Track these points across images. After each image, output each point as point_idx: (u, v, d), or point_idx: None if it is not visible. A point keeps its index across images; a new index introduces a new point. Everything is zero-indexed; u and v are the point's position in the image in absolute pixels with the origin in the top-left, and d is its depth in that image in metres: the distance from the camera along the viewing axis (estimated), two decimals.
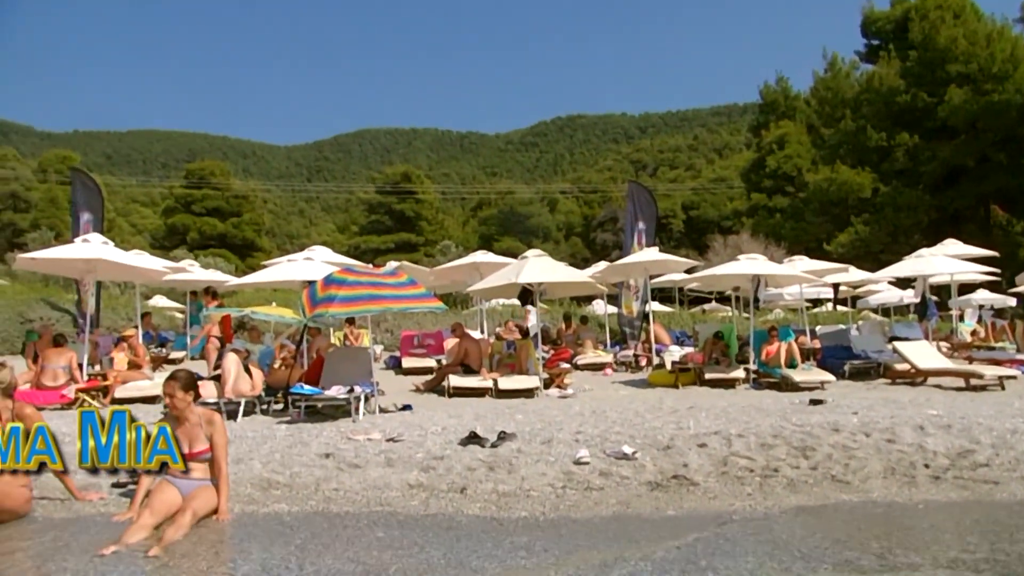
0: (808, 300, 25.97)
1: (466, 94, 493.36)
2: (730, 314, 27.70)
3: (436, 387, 15.51)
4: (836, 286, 24.68)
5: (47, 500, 7.17)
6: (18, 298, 25.71)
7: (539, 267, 16.77)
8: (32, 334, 18.70)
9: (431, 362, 18.79)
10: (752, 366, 16.08)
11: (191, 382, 7.01)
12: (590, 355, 19.50)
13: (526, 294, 17.30)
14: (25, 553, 6.13)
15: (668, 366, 17.02)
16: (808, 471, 8.19)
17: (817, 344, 18.83)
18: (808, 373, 15.62)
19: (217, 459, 6.90)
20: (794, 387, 15.01)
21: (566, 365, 16.91)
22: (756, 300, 16.96)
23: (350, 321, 19.48)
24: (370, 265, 16.31)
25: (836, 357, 17.29)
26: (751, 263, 16.93)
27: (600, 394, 14.94)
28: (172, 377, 6.90)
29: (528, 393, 14.69)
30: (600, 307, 27.18)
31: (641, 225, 21.85)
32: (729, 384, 15.61)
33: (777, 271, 17.46)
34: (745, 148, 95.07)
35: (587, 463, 8.37)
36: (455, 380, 15.12)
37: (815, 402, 12.88)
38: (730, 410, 11.84)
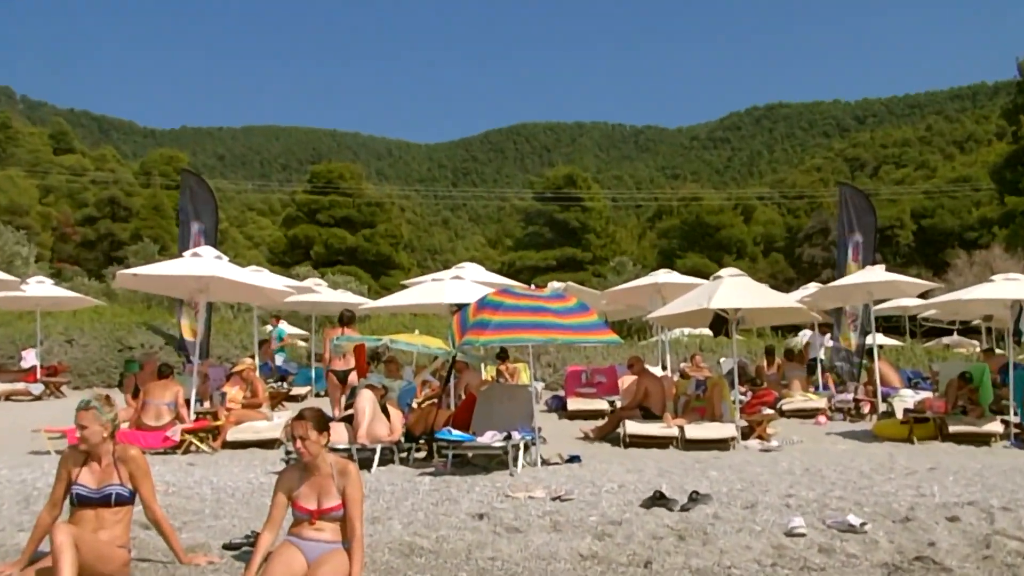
0: None
1: (643, 82, 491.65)
2: (978, 350, 26.20)
3: (609, 434, 15.50)
4: None
5: (148, 563, 7.25)
6: (117, 321, 26.77)
7: (736, 289, 16.58)
8: (132, 364, 19.44)
9: (603, 404, 18.88)
10: (1013, 418, 15.44)
11: (324, 422, 6.88)
12: (799, 399, 19.28)
13: (720, 323, 16.86)
14: None
15: (899, 415, 16.61)
16: None
17: None
18: None
19: (351, 517, 6.76)
20: None
21: (769, 411, 16.65)
22: (1018, 333, 16.14)
23: (502, 355, 19.57)
24: (531, 286, 16.81)
25: None
26: (1012, 285, 16.47)
27: (813, 447, 14.70)
28: (301, 416, 6.74)
29: (722, 444, 14.57)
30: (810, 339, 26.16)
31: (857, 238, 21.61)
32: (982, 440, 15.01)
33: None
34: (996, 139, 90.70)
35: (803, 535, 8.09)
36: (632, 426, 15.05)
37: None
38: (986, 474, 11.29)
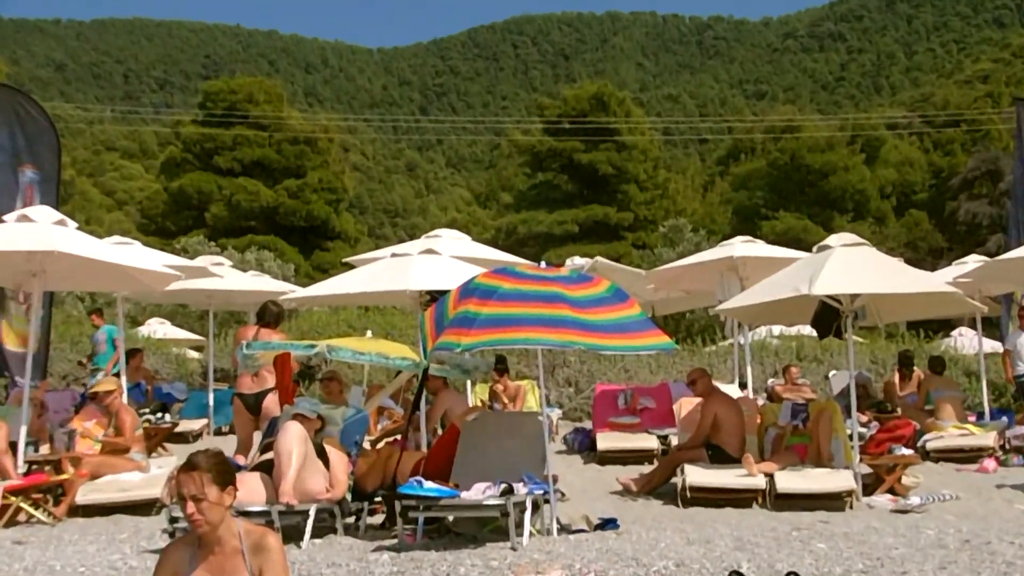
0: None
1: None
2: None
3: (662, 486, 13.37)
4: None
5: None
6: None
7: (853, 267, 13.70)
8: None
9: (650, 440, 16.09)
10: None
11: (228, 473, 5.53)
12: (952, 432, 16.43)
13: (828, 317, 13.80)
14: None
15: None
16: None
17: None
18: None
19: None
20: None
21: (906, 451, 13.87)
22: None
23: (499, 368, 16.82)
24: (540, 264, 13.00)
25: None
26: None
27: (976, 507, 12.61)
28: (193, 464, 5.40)
29: (834, 501, 12.39)
30: (968, 341, 23.51)
31: None
32: None
33: None
34: None
35: None
36: (696, 474, 12.76)
37: None
38: None
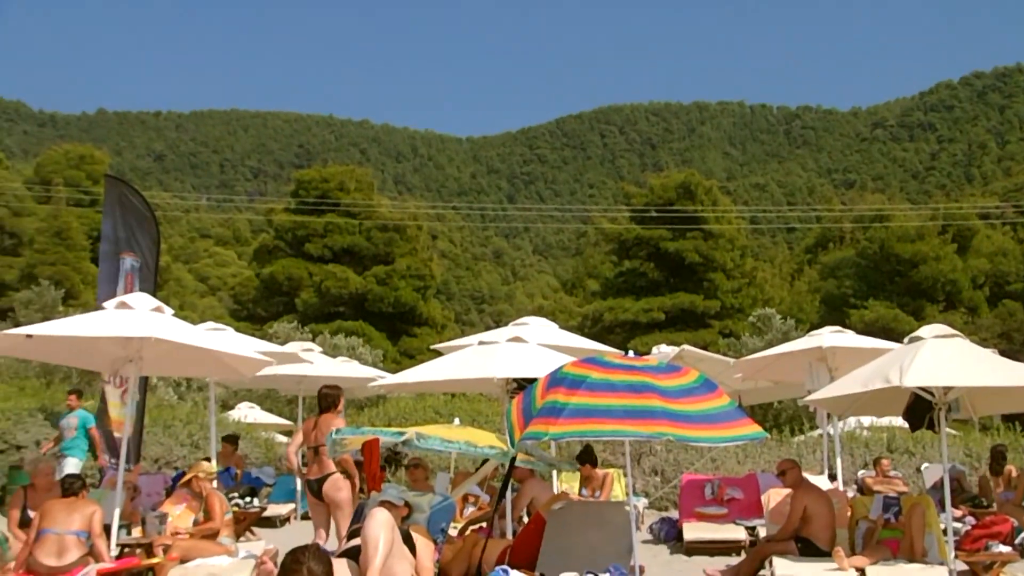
0: None
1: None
2: None
3: None
4: None
5: None
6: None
7: (945, 357, 12.53)
8: (19, 474, 16.72)
9: (738, 532, 15.42)
10: None
11: (330, 567, 5.67)
12: None
13: (921, 409, 12.71)
14: None
15: None
16: None
17: None
18: None
19: None
20: None
21: (1005, 548, 12.84)
22: None
23: (585, 457, 15.47)
24: (627, 353, 12.52)
25: None
26: None
27: None
28: (311, 570, 5.23)
29: None
30: None
31: None
32: None
33: None
34: None
35: None
36: (786, 567, 12.08)
37: None
38: None
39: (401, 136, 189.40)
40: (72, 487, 12.48)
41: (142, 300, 13.49)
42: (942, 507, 13.58)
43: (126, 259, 17.02)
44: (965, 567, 13.04)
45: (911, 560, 12.63)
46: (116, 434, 14.30)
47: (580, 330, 25.76)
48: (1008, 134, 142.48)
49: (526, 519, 13.17)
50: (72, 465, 18.26)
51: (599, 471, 16.88)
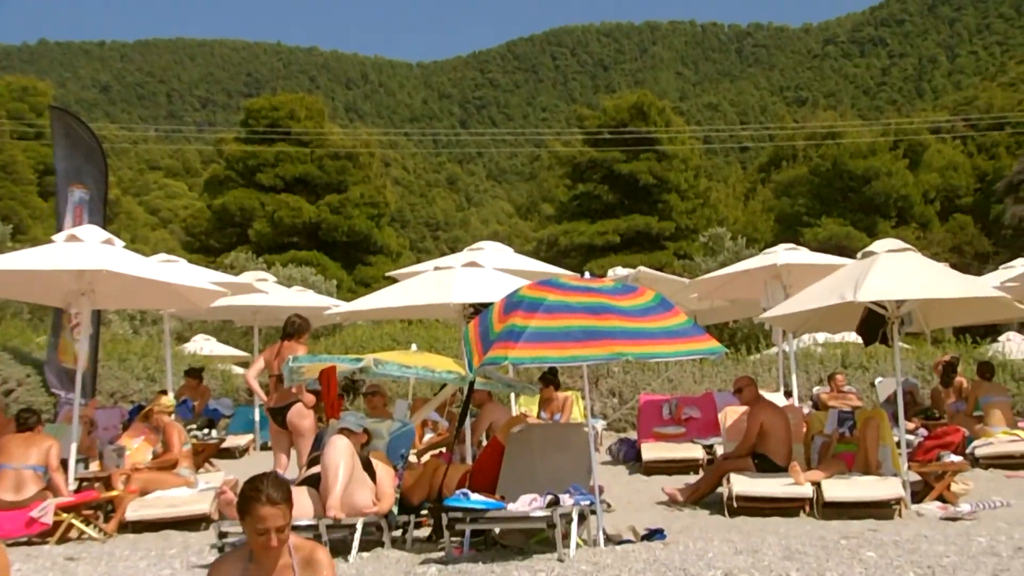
0: None
1: None
2: None
3: (708, 496, 12.93)
4: None
5: None
6: None
7: (898, 272, 12.87)
8: None
9: (696, 450, 15.59)
10: None
11: (290, 495, 5.35)
12: (1002, 438, 15.62)
13: (874, 324, 13.09)
14: None
15: None
16: None
17: None
18: None
19: None
20: None
21: (956, 458, 13.13)
22: None
23: (546, 379, 16.06)
24: (584, 275, 14.43)
25: None
26: None
27: None
28: (273, 499, 4.96)
29: (882, 509, 11.90)
30: (1017, 346, 22.90)
31: None
32: None
33: None
34: None
35: None
36: (743, 484, 12.27)
37: None
38: None
39: (351, 62, 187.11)
40: (27, 422, 12.48)
41: (92, 233, 13.63)
42: (895, 420, 13.93)
43: (75, 191, 17.31)
44: (918, 478, 13.44)
45: (866, 473, 12.98)
46: (67, 366, 14.46)
47: (535, 254, 25.50)
48: (958, 47, 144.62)
49: (485, 443, 13.17)
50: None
51: (559, 394, 16.99)
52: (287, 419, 13.07)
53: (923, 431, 15.46)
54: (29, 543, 11.57)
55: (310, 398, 13.25)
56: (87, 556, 10.73)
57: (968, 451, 15.66)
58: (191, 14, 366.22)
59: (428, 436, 15.64)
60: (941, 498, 13.12)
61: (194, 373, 19.61)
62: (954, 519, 12.32)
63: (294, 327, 13.44)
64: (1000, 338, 26.47)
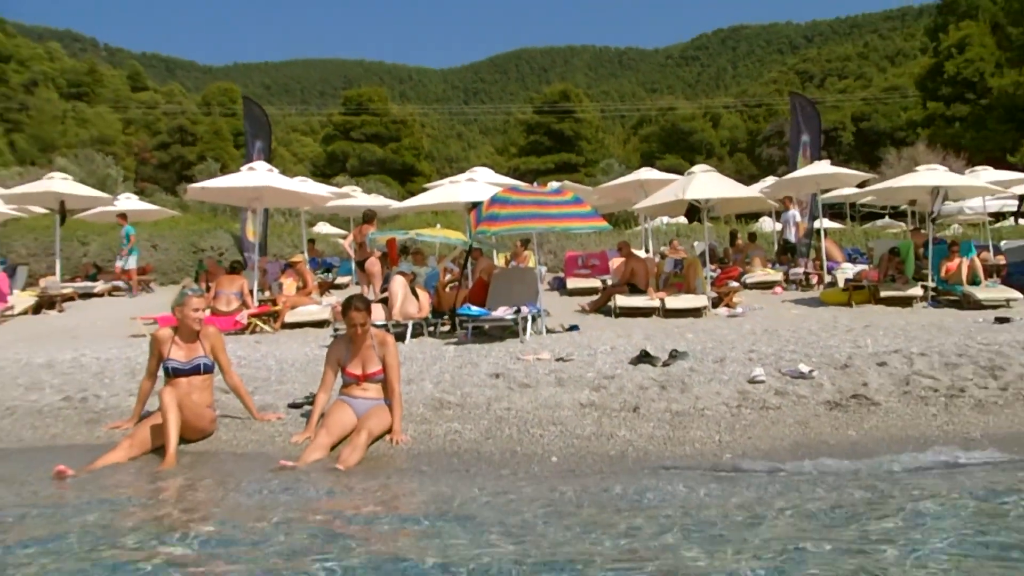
0: (990, 214, 24.59)
1: (624, 8, 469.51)
2: (906, 229, 26.15)
3: (602, 307, 15.20)
4: (1021, 199, 22.75)
5: (230, 419, 7.49)
6: (190, 228, 26.69)
7: (707, 182, 16.18)
8: (203, 265, 19.06)
9: (596, 283, 18.37)
10: (931, 284, 15.38)
11: (369, 306, 7.07)
12: (759, 273, 18.84)
13: (694, 211, 16.76)
14: (211, 469, 6.45)
15: (841, 284, 16.37)
16: (998, 392, 7.73)
17: (1002, 260, 17.73)
18: (992, 291, 14.81)
19: (390, 380, 6.93)
20: (977, 305, 14.30)
21: (735, 284, 16.36)
22: (936, 214, 16.19)
23: (525, 243, 19.21)
24: (534, 184, 16.06)
25: (1023, 273, 16.16)
26: (932, 174, 16.11)
27: (771, 313, 14.49)
28: (356, 307, 6.93)
29: (696, 312, 14.35)
30: (768, 225, 26.19)
31: (806, 138, 21.09)
32: (906, 302, 14.98)
33: (960, 182, 16.54)
34: (921, 54, 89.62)
35: (762, 382, 8.10)
36: (622, 300, 14.77)
37: (1001, 320, 12.19)
38: (909, 329, 11.31)
39: (402, 69, 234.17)
40: (235, 268, 14.95)
41: (261, 166, 15.98)
42: (704, 264, 15.68)
43: (256, 143, 20.27)
44: (715, 295, 15.20)
45: (688, 292, 14.99)
46: (251, 240, 16.48)
47: (507, 175, 31.36)
48: (738, 63, 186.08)
49: (479, 279, 14.39)
50: (133, 260, 20.84)
51: (525, 251, 19.23)
52: (366, 267, 15.51)
53: (719, 270, 17.33)
54: (234, 333, 13.35)
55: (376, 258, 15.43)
56: (264, 341, 12.48)
57: (742, 280, 17.66)
58: (317, 40, 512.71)
59: (448, 276, 17.03)
60: (728, 305, 15.03)
61: (312, 242, 22.75)
62: (733, 316, 14.06)
63: (367, 217, 16.24)
64: (759, 220, 30.17)
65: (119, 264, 20.32)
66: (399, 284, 12.59)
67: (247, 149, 21.08)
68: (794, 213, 20.61)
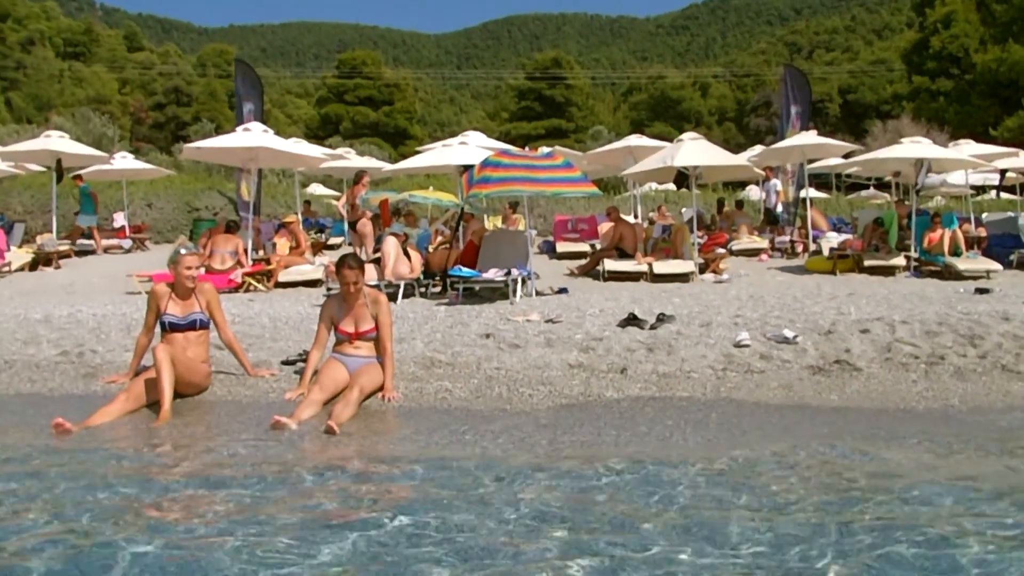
0: (972, 187, 24.85)
1: None
2: (890, 200, 26.23)
3: (591, 271, 15.29)
4: (1003, 173, 22.85)
5: (224, 375, 7.51)
6: (185, 188, 26.81)
7: (696, 150, 16.25)
8: (200, 223, 19.16)
9: (585, 247, 18.45)
10: (914, 254, 15.48)
11: (363, 266, 7.12)
12: (745, 240, 18.95)
13: (682, 178, 16.85)
14: (206, 424, 6.52)
15: (826, 252, 16.48)
16: (976, 360, 7.81)
17: (983, 232, 17.87)
18: (973, 262, 14.91)
19: (382, 338, 6.97)
20: (958, 276, 14.38)
21: (722, 250, 16.42)
22: (920, 186, 16.26)
23: (513, 206, 19.29)
24: (525, 149, 16.43)
25: (1003, 246, 16.44)
26: (916, 146, 16.15)
27: (756, 279, 14.58)
28: (351, 265, 6.96)
29: (683, 278, 14.43)
30: (756, 192, 26.23)
31: (795, 109, 21.00)
32: (889, 272, 15.10)
33: (944, 155, 16.61)
34: (907, 28, 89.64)
35: (747, 346, 8.14)
36: (610, 264, 14.86)
37: (981, 291, 12.28)
38: (891, 297, 11.38)
39: (396, 33, 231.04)
40: (231, 228, 14.93)
41: (256, 127, 15.99)
42: (692, 230, 15.71)
43: (247, 105, 20.07)
44: (702, 261, 15.24)
45: (676, 258, 15.04)
46: (246, 199, 16.50)
47: (499, 139, 31.16)
48: (728, 33, 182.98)
49: (470, 241, 14.38)
50: (86, 219, 20.71)
51: (514, 215, 19.31)
52: (357, 227, 15.35)
53: (706, 237, 17.31)
54: (229, 292, 13.35)
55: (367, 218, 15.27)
56: (258, 299, 12.51)
57: (728, 247, 17.60)
58: (312, 3, 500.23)
59: (439, 238, 17.12)
60: (714, 271, 15.07)
61: (306, 203, 23.00)
62: (720, 282, 14.16)
63: (358, 177, 16.16)
64: (746, 188, 30.29)
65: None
66: (391, 244, 12.58)
67: (237, 112, 20.94)
68: (775, 183, 20.57)
